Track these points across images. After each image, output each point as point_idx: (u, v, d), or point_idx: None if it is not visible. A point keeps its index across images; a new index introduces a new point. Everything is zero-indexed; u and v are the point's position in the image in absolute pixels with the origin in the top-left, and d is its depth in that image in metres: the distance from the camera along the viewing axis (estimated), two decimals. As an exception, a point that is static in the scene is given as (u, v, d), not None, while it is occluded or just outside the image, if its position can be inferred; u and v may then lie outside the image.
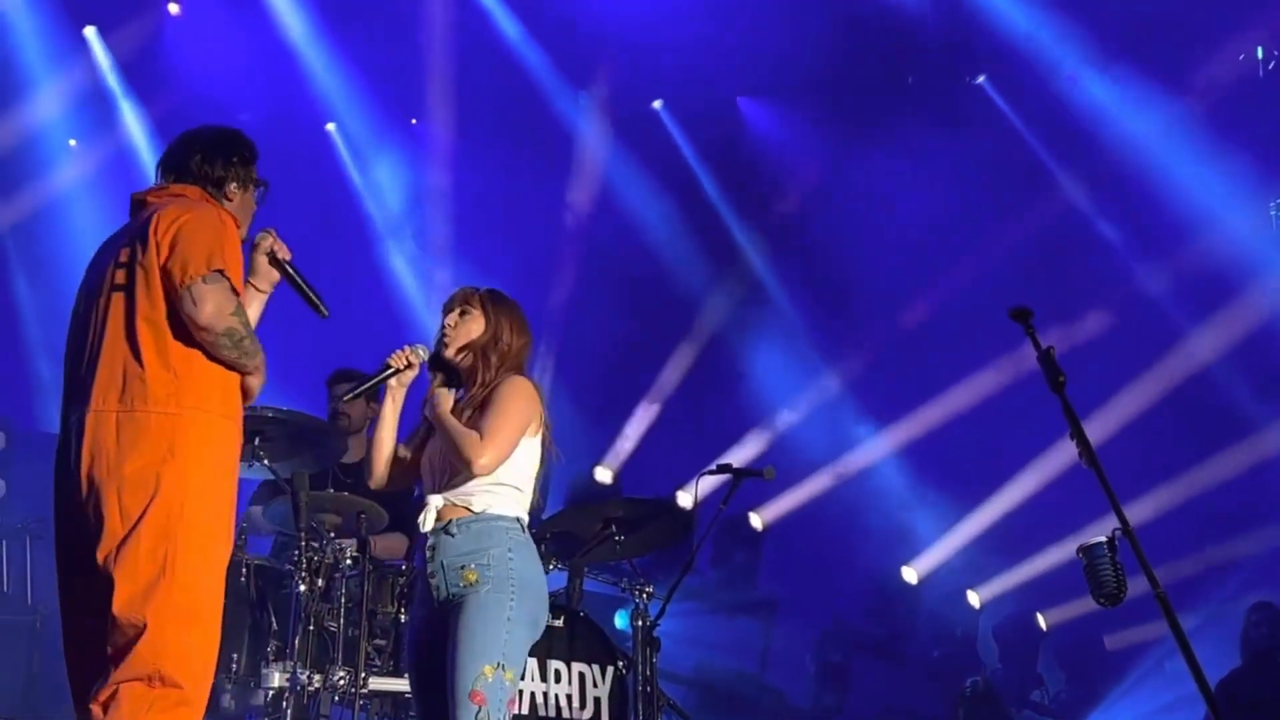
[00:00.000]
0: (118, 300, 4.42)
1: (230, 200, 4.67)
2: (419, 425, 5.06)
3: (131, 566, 4.20)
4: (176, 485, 4.27)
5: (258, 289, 4.78)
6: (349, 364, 8.16)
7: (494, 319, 5.01)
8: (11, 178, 11.81)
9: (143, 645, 4.16)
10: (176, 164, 4.69)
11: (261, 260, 4.78)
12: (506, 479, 4.85)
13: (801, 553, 12.12)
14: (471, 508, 4.80)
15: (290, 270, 4.80)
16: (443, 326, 5.02)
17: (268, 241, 4.77)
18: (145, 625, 4.16)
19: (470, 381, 4.97)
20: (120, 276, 4.44)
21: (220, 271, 4.33)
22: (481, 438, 4.74)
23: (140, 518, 4.22)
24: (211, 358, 4.38)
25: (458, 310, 5.03)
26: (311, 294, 4.82)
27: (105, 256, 4.57)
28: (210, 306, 4.28)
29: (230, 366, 4.40)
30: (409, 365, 4.98)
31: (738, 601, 11.96)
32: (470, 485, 4.81)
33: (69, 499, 4.38)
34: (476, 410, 4.86)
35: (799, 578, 12.09)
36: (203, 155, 4.68)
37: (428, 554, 4.81)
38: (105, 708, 4.16)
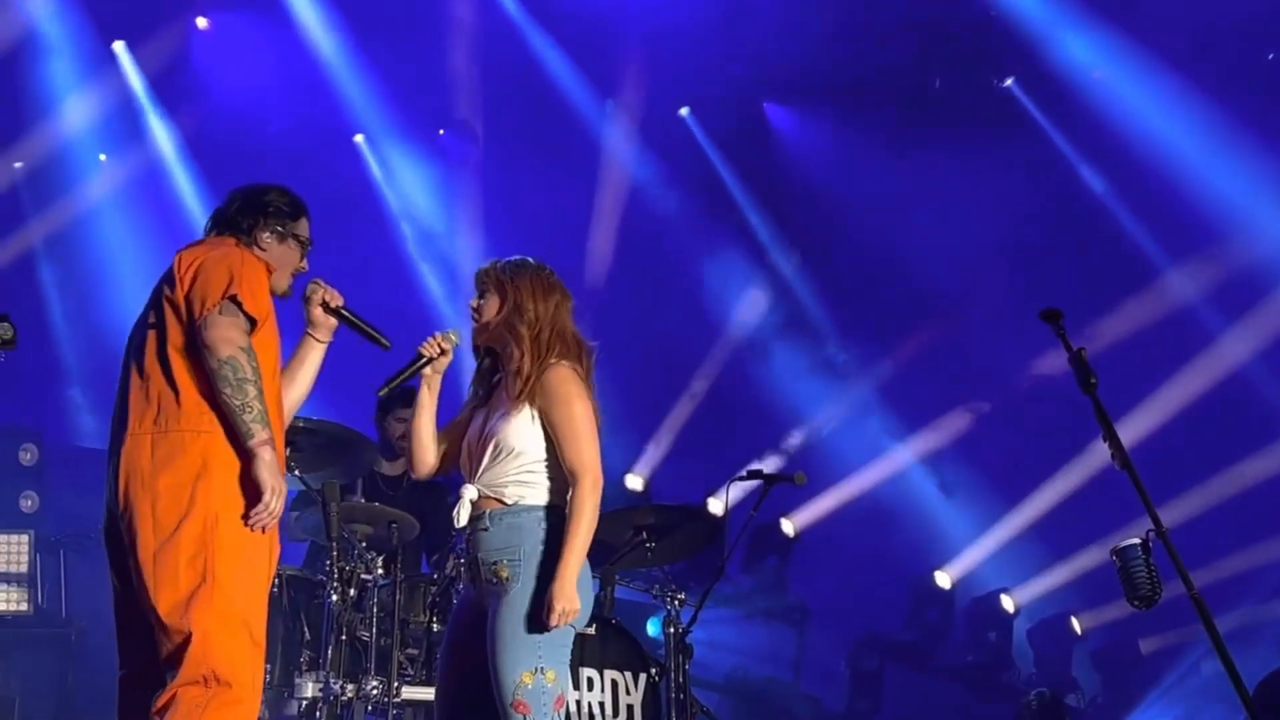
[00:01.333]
0: (151, 335, 4.57)
1: (264, 250, 4.77)
2: (459, 413, 4.98)
3: (172, 576, 4.31)
4: (210, 499, 4.37)
5: (317, 339, 4.97)
6: (378, 374, 8.17)
7: (510, 291, 4.86)
8: (43, 192, 11.86)
9: (193, 649, 4.27)
10: (219, 216, 4.86)
11: (316, 311, 4.92)
12: (539, 466, 4.71)
13: (834, 558, 12.09)
14: (504, 499, 4.68)
15: (346, 314, 4.93)
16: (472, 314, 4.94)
17: (319, 293, 4.91)
18: (191, 632, 4.27)
19: (508, 358, 4.83)
20: (153, 315, 4.61)
21: (235, 299, 4.42)
22: (568, 461, 4.69)
23: (176, 530, 4.33)
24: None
25: (477, 293, 4.95)
26: (371, 331, 4.95)
27: (149, 300, 4.75)
28: (218, 333, 4.38)
29: (232, 421, 4.40)
30: (442, 353, 4.90)
31: (770, 608, 11.93)
32: (503, 475, 4.69)
33: (111, 520, 4.54)
34: (526, 392, 4.73)
35: (831, 583, 12.05)
36: (240, 206, 4.82)
37: (467, 549, 4.76)
38: (162, 713, 4.28)
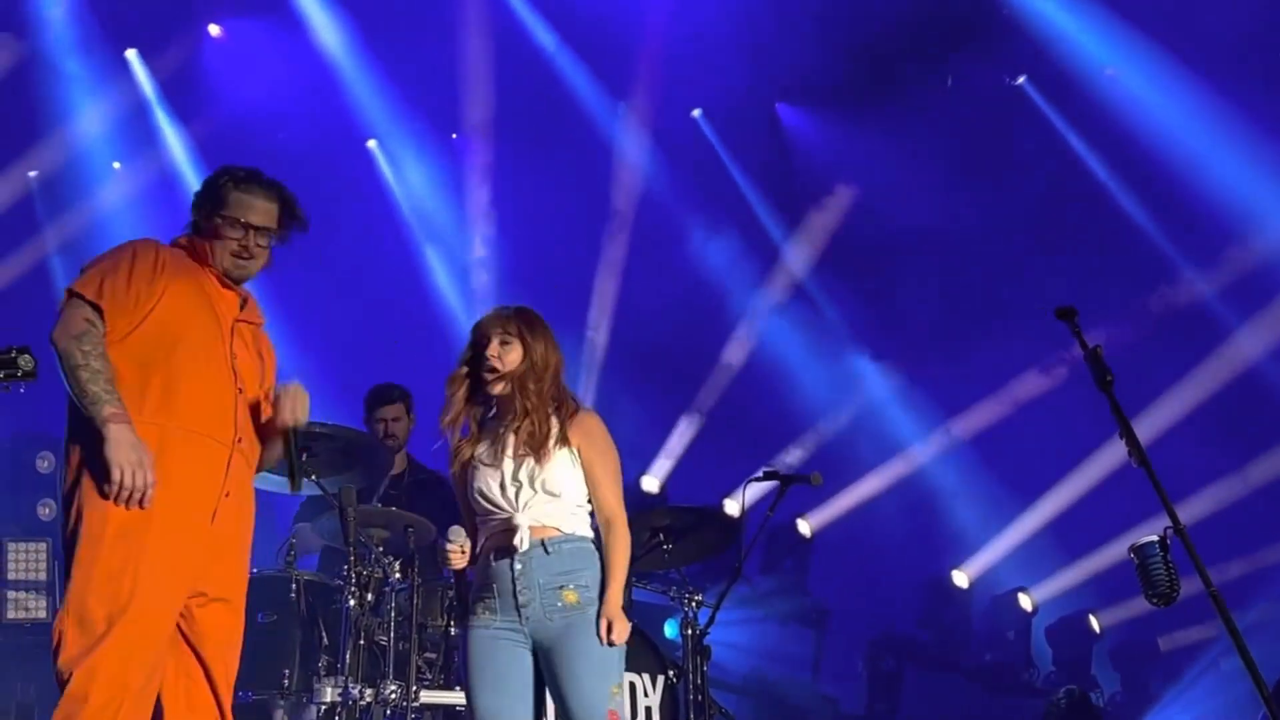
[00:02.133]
0: None
1: (201, 233, 4.82)
2: (457, 452, 5.10)
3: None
4: (80, 500, 4.44)
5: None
6: (392, 378, 8.21)
7: (530, 346, 5.07)
8: (58, 200, 11.90)
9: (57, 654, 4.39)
10: None
11: (280, 417, 4.82)
12: (582, 503, 5.03)
13: (851, 558, 12.07)
14: (562, 528, 4.93)
15: (289, 438, 4.85)
16: (484, 356, 5.04)
17: (288, 403, 4.81)
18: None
19: (507, 410, 5.04)
20: None
21: (80, 295, 4.47)
22: (608, 503, 5.02)
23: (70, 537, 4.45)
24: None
25: (498, 340, 5.06)
26: (293, 466, 4.89)
27: None
28: (54, 332, 4.45)
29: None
30: (463, 553, 5.00)
31: (788, 609, 11.91)
32: (556, 510, 4.95)
33: None
34: (529, 442, 4.95)
35: (849, 583, 12.03)
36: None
37: (514, 573, 4.88)
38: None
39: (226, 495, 4.55)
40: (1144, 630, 11.43)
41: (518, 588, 4.86)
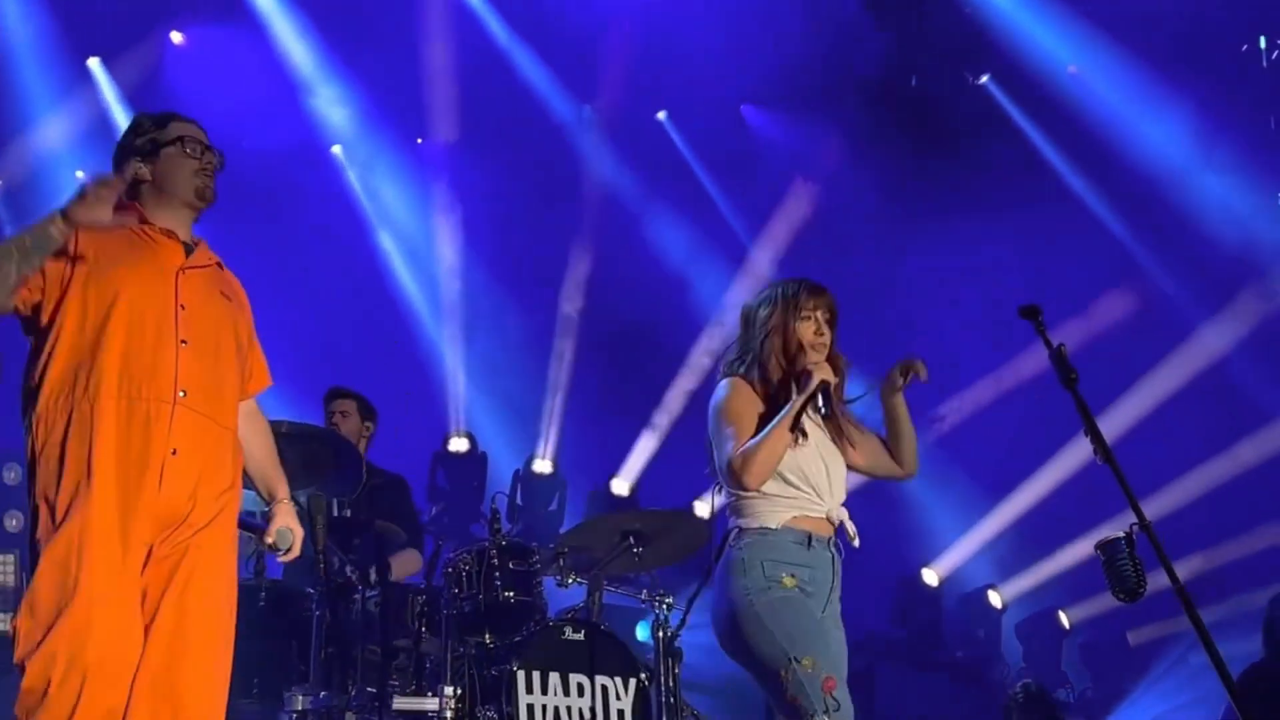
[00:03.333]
0: None
1: (136, 186, 4.62)
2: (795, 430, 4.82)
3: None
4: (35, 493, 4.34)
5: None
6: (358, 382, 8.19)
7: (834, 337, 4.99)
8: (20, 210, 11.83)
9: None
10: None
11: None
12: None
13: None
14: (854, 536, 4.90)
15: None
16: (823, 328, 4.92)
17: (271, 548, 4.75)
18: None
19: (839, 389, 4.95)
20: None
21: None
22: None
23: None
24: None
25: (826, 324, 4.96)
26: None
27: None
28: None
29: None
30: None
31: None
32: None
33: None
34: (836, 433, 4.94)
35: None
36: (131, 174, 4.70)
37: (834, 567, 4.82)
38: None
39: (174, 453, 4.32)
40: (1113, 625, 11.50)
41: (835, 578, 4.80)
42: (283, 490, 4.77)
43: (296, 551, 4.73)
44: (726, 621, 4.74)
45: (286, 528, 4.70)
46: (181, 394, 4.37)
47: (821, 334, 4.90)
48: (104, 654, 4.15)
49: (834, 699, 4.52)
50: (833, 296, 4.97)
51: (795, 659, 4.55)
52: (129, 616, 4.25)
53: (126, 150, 4.66)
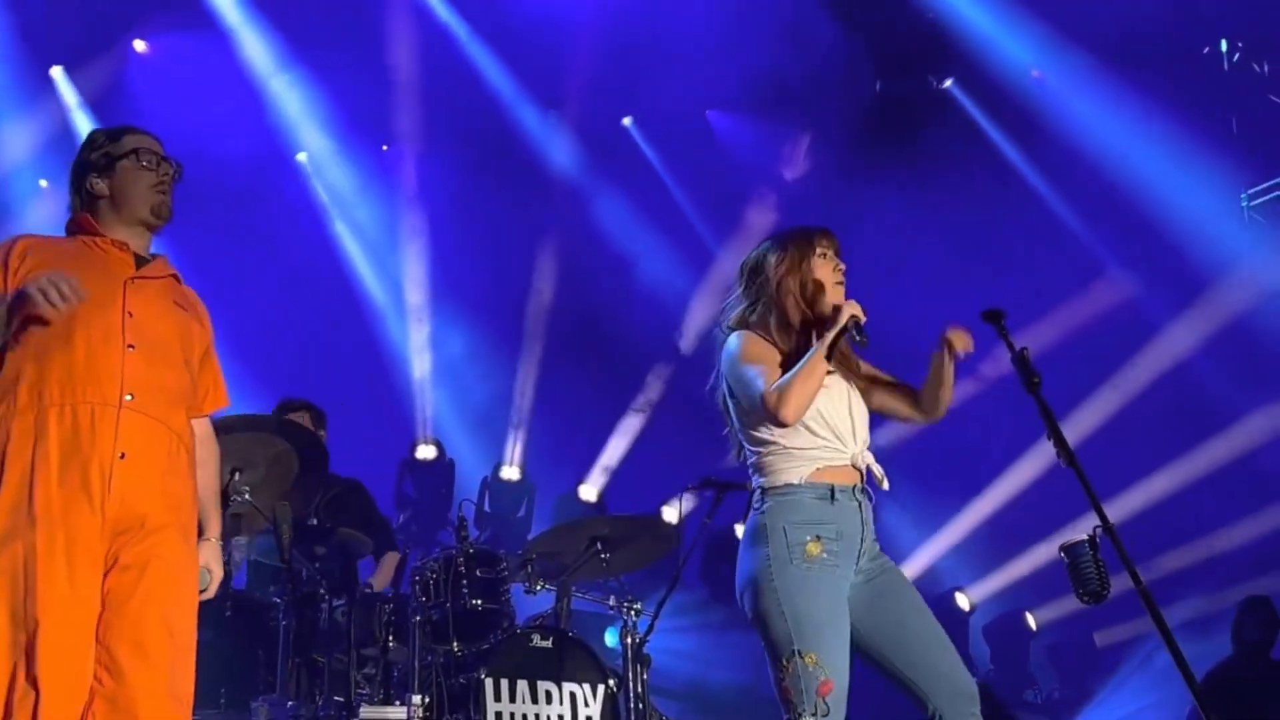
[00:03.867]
0: None
1: (91, 204, 4.60)
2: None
3: None
4: None
5: None
6: (324, 389, 8.17)
7: None
8: (-18, 219, 11.79)
9: None
10: None
11: None
12: None
13: (789, 562, 12.10)
14: (874, 479, 4.71)
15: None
16: (834, 275, 4.77)
17: None
18: None
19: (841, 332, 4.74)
20: None
21: None
22: None
23: None
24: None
25: (841, 262, 4.81)
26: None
27: None
28: None
29: None
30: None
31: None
32: (868, 450, 4.71)
33: None
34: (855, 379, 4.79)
35: (788, 588, 12.05)
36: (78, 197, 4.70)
37: (862, 515, 4.63)
38: None
39: (123, 457, 4.22)
40: (1079, 627, 11.54)
41: (866, 529, 4.61)
42: (213, 529, 4.66)
43: (211, 594, 4.57)
44: (748, 588, 4.56)
45: (206, 569, 4.56)
46: (128, 397, 4.29)
47: (840, 269, 4.78)
48: (54, 676, 4.07)
49: (825, 704, 4.43)
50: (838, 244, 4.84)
51: (799, 651, 4.44)
52: (79, 635, 4.14)
53: (82, 166, 4.63)
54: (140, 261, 4.55)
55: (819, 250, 4.76)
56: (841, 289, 4.74)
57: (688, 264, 13.02)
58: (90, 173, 4.60)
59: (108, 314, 4.37)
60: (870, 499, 4.65)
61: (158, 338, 4.45)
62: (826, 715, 4.42)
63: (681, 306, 12.94)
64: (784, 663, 4.45)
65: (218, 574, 4.61)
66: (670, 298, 12.97)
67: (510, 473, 12.38)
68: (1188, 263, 11.37)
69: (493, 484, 12.09)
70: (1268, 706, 8.38)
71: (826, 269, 4.75)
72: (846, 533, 4.54)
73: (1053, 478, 9.90)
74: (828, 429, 4.61)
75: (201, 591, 4.50)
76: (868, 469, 4.66)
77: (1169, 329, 11.62)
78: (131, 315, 4.40)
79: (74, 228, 4.57)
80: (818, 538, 4.49)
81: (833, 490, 4.57)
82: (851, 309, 4.61)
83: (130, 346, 4.35)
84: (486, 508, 11.74)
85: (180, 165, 4.66)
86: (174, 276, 4.66)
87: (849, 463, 4.63)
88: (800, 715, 4.41)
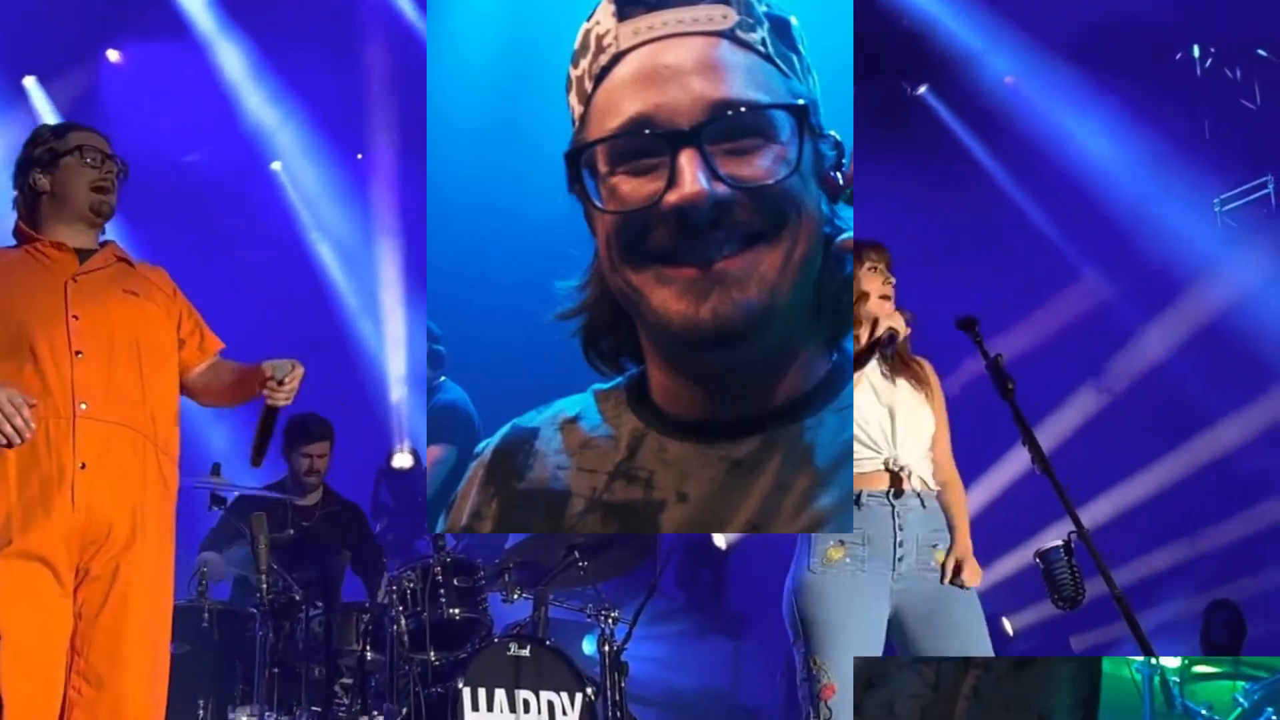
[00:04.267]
0: None
1: (31, 207, 4.61)
2: None
3: None
4: None
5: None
6: (293, 403, 8.13)
7: None
8: (-44, 232, 11.72)
9: None
10: None
11: (265, 394, 4.55)
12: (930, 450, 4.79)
13: (767, 569, 12.05)
14: (931, 483, 4.74)
15: (266, 422, 4.57)
16: (883, 288, 4.78)
17: (271, 388, 4.52)
18: None
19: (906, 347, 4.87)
20: None
21: None
22: (944, 449, 4.92)
23: None
24: None
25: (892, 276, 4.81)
26: (260, 444, 4.60)
27: None
28: None
29: None
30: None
31: (705, 621, 11.94)
32: (920, 454, 4.73)
33: None
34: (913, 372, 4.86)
35: (766, 594, 11.99)
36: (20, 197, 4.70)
37: (895, 520, 4.62)
38: None
39: (83, 467, 4.18)
40: (1056, 632, 11.55)
41: (900, 537, 4.61)
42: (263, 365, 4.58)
43: (294, 383, 4.55)
44: (788, 586, 4.67)
45: (291, 362, 4.56)
46: (83, 406, 4.24)
47: (891, 282, 4.79)
48: (17, 690, 4.03)
49: (828, 708, 4.43)
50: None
51: (809, 655, 4.52)
52: (44, 649, 4.12)
53: (26, 161, 4.61)
54: (85, 256, 4.50)
55: (868, 264, 4.79)
56: (887, 303, 4.73)
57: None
58: (34, 168, 4.58)
59: (51, 325, 4.31)
60: (920, 503, 4.65)
61: (107, 335, 4.39)
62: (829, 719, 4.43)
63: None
64: (809, 660, 4.53)
65: (294, 365, 4.57)
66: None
67: (402, 460, 12.06)
68: (1161, 267, 11.41)
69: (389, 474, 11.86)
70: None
71: (875, 281, 4.77)
72: (877, 536, 4.56)
73: (1027, 484, 9.92)
74: (861, 433, 4.61)
75: (285, 379, 4.52)
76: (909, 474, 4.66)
77: (1145, 332, 11.65)
78: (76, 319, 4.34)
79: (17, 235, 4.54)
80: (841, 542, 4.52)
81: (861, 495, 4.58)
82: (892, 321, 4.60)
83: (78, 353, 4.30)
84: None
85: (126, 164, 4.62)
86: (124, 260, 4.60)
87: (882, 467, 4.64)
88: (809, 716, 4.47)
